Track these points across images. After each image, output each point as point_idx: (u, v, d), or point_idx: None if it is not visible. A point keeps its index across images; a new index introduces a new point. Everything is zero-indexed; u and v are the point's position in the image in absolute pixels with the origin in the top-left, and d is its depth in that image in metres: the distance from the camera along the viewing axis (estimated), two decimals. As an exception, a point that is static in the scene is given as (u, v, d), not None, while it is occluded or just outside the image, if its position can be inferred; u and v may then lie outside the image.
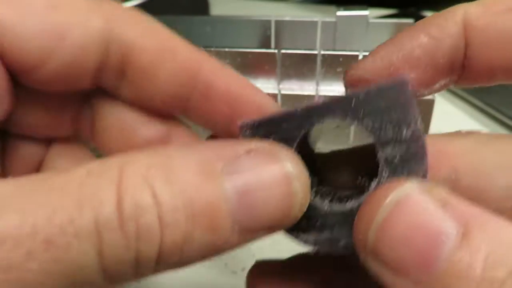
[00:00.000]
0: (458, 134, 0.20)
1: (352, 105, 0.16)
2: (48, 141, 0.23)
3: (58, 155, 0.23)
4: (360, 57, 0.33)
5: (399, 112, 0.16)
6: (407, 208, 0.14)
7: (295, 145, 0.17)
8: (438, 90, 0.21)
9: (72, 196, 0.13)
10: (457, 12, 0.19)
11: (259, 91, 0.21)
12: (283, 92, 0.35)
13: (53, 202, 0.13)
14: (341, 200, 0.18)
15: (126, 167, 0.14)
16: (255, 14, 0.45)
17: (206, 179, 0.14)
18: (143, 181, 0.14)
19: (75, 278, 0.13)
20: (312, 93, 0.34)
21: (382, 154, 0.16)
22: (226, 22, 0.45)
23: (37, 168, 0.23)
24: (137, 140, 0.22)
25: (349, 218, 0.17)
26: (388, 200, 0.15)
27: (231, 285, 0.32)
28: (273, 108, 0.21)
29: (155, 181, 0.14)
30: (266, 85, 0.35)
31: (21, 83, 0.19)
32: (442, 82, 0.20)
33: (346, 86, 0.20)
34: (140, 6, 0.52)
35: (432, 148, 0.19)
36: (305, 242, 0.17)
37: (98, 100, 0.22)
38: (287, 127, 0.17)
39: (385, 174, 0.16)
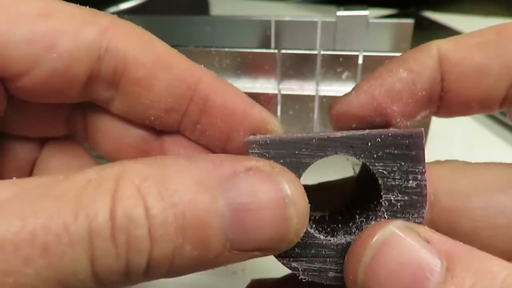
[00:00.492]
0: (437, 162, 0.22)
1: (369, 145, 0.17)
2: (41, 140, 0.23)
3: (52, 154, 0.23)
4: (360, 57, 0.33)
5: (410, 162, 0.17)
6: (393, 246, 0.15)
7: (303, 173, 0.17)
8: (419, 121, 0.21)
9: (69, 205, 0.13)
10: (432, 47, 0.20)
11: (258, 107, 0.21)
12: (283, 92, 0.35)
13: (51, 209, 0.13)
14: (333, 231, 0.18)
15: (122, 177, 0.14)
16: (255, 14, 0.45)
17: (201, 194, 0.14)
18: (137, 193, 0.14)
19: (68, 284, 0.13)
20: (312, 93, 0.34)
21: (384, 198, 0.17)
22: (226, 22, 0.45)
23: (31, 166, 0.23)
24: (130, 143, 0.22)
25: (342, 252, 0.17)
26: (374, 239, 0.15)
27: (232, 285, 0.32)
28: (273, 125, 0.21)
29: (149, 193, 0.14)
30: (266, 85, 0.35)
31: (8, 91, 0.19)
32: (423, 113, 0.21)
33: (332, 120, 0.21)
34: (140, 6, 0.51)
35: None
36: (294, 269, 0.18)
37: (89, 107, 0.22)
38: (300, 154, 0.17)
39: (385, 217, 0.17)
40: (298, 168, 0.17)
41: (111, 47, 0.19)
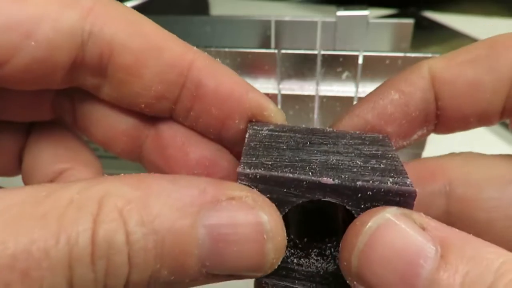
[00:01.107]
0: (452, 153, 0.22)
1: (359, 196, 0.16)
2: (28, 125, 0.23)
3: (39, 138, 0.23)
4: (360, 57, 0.33)
5: None
6: (387, 232, 0.15)
7: (287, 209, 0.17)
8: (417, 140, 0.22)
9: (51, 227, 0.13)
10: (423, 67, 0.20)
11: (254, 92, 0.20)
12: (283, 92, 0.35)
13: (32, 232, 0.13)
14: (308, 247, 0.18)
15: (105, 199, 0.14)
16: (255, 14, 0.45)
17: (182, 220, 0.14)
18: (119, 217, 0.14)
19: None
20: (312, 93, 0.34)
21: None
22: (226, 22, 0.45)
23: (19, 150, 0.23)
24: (123, 131, 0.21)
25: (311, 278, 0.17)
26: (368, 225, 0.15)
27: (232, 284, 0.32)
28: (270, 111, 0.20)
29: (130, 218, 0.14)
30: (266, 85, 0.35)
31: None
32: (419, 132, 0.21)
33: None
34: (140, 6, 0.51)
35: (430, 164, 0.21)
36: (264, 284, 0.18)
37: (77, 92, 0.21)
38: (287, 192, 0.16)
39: None
40: (283, 205, 0.16)
41: (95, 31, 0.18)
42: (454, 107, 0.20)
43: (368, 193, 0.16)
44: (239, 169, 0.16)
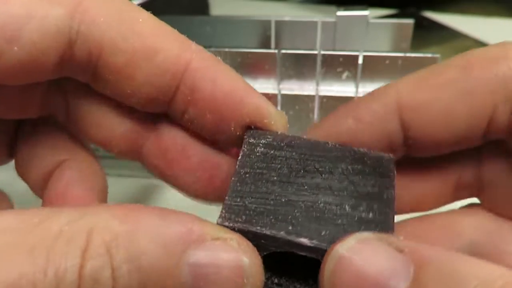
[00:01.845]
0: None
1: None
2: (17, 122, 0.22)
3: (32, 131, 0.22)
4: (360, 57, 0.33)
5: None
6: (358, 255, 0.14)
7: (265, 253, 0.17)
8: None
9: (40, 260, 0.13)
10: (389, 94, 0.19)
11: (253, 96, 0.19)
12: (283, 92, 0.35)
13: (22, 265, 0.13)
14: (291, 269, 0.18)
15: (94, 232, 0.14)
16: (255, 14, 0.44)
17: (167, 259, 0.14)
18: (106, 252, 0.14)
19: None
20: (312, 93, 0.34)
21: None
22: (226, 22, 0.45)
23: (9, 146, 0.23)
24: (122, 134, 0.21)
25: None
26: (338, 248, 0.14)
27: None
28: (270, 118, 0.19)
29: (117, 253, 0.14)
30: (266, 85, 0.35)
31: None
32: None
33: None
34: (140, 6, 0.51)
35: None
36: None
37: (69, 85, 0.20)
38: (265, 243, 0.16)
39: None
40: (262, 250, 0.16)
41: (83, 30, 0.17)
42: (426, 136, 0.18)
43: None
44: (219, 221, 0.16)
